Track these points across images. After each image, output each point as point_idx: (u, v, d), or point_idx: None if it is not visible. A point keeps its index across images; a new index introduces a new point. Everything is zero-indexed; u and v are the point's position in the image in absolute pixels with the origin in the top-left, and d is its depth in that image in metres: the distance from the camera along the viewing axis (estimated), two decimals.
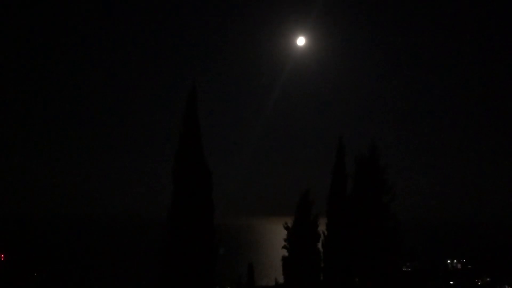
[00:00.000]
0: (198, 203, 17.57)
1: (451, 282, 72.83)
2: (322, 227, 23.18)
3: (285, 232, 23.65)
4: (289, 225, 23.53)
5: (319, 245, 23.22)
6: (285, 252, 23.60)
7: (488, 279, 75.68)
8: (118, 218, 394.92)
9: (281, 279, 27.29)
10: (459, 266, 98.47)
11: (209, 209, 18.00)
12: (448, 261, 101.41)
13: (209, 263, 18.06)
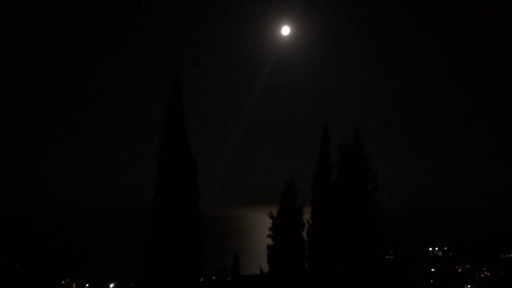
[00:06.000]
0: (183, 193, 17.48)
1: (433, 269, 74.44)
2: (307, 216, 23.33)
3: (270, 221, 23.74)
4: (274, 214, 23.59)
5: (304, 233, 23.37)
6: (270, 241, 23.68)
7: (467, 266, 77.57)
8: (106, 211, 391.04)
9: (266, 268, 27.45)
10: (440, 253, 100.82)
11: (194, 198, 17.93)
12: (430, 248, 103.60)
13: (194, 253, 18.02)
